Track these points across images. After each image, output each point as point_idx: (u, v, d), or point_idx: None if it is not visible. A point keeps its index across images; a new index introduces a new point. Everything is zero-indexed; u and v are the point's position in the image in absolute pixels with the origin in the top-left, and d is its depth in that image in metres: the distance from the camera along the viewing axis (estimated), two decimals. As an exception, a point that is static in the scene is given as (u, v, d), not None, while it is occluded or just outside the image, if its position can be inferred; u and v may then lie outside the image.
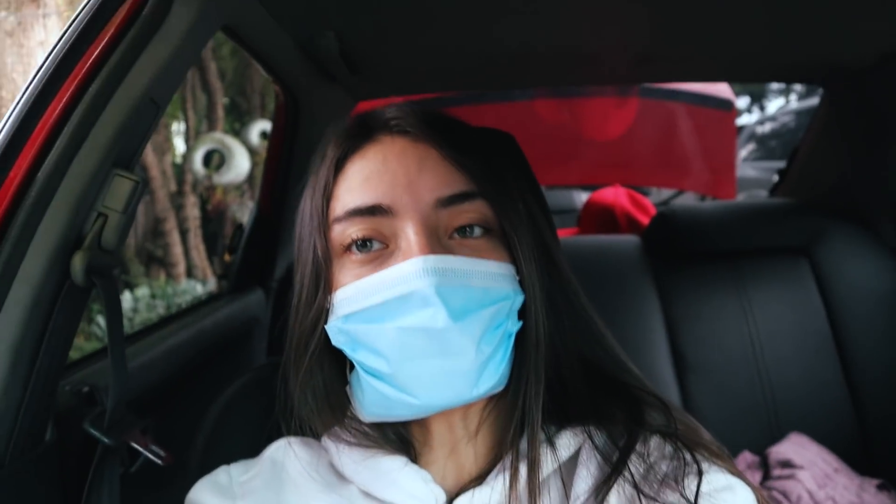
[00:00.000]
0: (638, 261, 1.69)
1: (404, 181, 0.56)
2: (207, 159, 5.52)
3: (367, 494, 0.59)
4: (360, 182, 0.58)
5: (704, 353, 1.60)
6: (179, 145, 6.44)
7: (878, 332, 1.55)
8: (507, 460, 0.57)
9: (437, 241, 0.56)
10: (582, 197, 3.39)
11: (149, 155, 4.98)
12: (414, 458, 0.61)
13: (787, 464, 1.42)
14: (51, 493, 0.77)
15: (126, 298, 4.30)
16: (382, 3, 1.03)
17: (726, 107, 2.67)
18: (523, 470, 0.56)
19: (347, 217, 0.57)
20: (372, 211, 0.56)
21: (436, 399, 0.55)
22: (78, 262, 0.72)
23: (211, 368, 1.29)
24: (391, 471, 0.58)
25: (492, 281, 0.56)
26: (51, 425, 0.80)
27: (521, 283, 0.59)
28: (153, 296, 4.49)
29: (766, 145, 6.45)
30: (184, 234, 5.54)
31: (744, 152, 6.45)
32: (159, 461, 0.77)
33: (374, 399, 0.57)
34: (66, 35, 0.74)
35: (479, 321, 0.54)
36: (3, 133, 0.72)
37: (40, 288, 0.71)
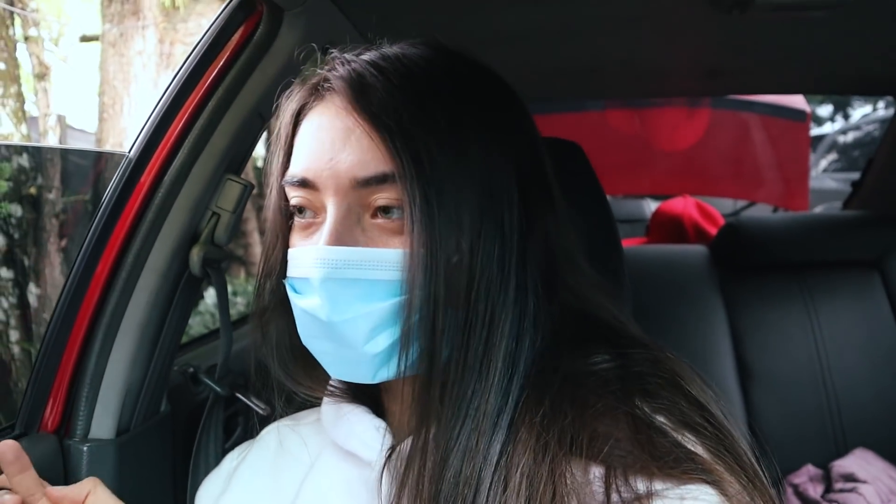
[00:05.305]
0: (705, 271, 1.71)
1: (328, 156, 0.55)
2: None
3: (337, 446, 0.63)
4: (301, 147, 0.58)
5: (770, 364, 1.60)
6: (260, 149, 6.70)
7: (953, 349, 1.52)
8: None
9: (355, 222, 0.55)
10: (652, 207, 3.38)
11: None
12: (380, 405, 0.63)
13: (850, 477, 1.42)
14: (165, 454, 0.91)
15: (209, 294, 4.54)
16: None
17: (800, 117, 2.64)
18: None
19: (286, 183, 0.59)
20: (302, 183, 0.57)
21: (343, 376, 0.58)
22: (196, 255, 0.84)
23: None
24: (352, 420, 0.61)
25: (385, 273, 0.54)
26: (165, 399, 0.92)
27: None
28: (234, 293, 4.72)
29: (849, 155, 6.19)
30: (264, 234, 5.75)
31: (824, 162, 6.22)
32: (261, 411, 0.87)
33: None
34: (190, 57, 0.85)
35: (368, 317, 0.54)
36: (136, 145, 0.84)
37: (164, 276, 0.83)
